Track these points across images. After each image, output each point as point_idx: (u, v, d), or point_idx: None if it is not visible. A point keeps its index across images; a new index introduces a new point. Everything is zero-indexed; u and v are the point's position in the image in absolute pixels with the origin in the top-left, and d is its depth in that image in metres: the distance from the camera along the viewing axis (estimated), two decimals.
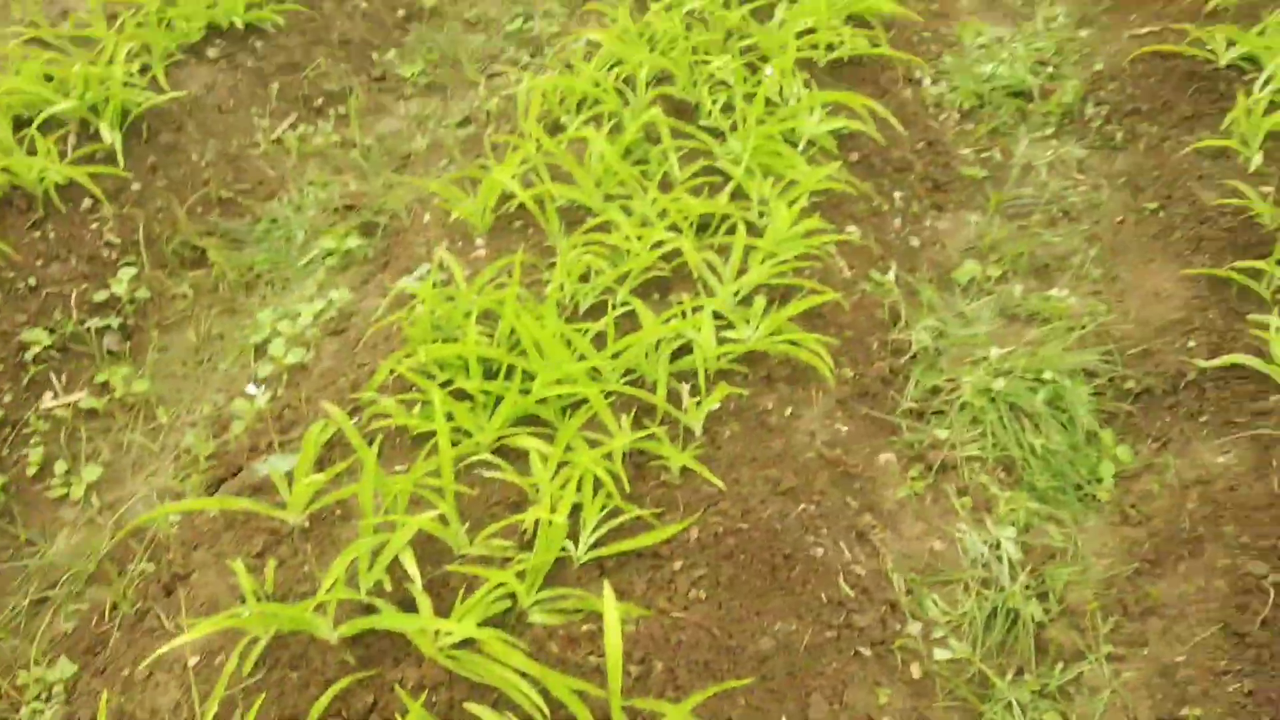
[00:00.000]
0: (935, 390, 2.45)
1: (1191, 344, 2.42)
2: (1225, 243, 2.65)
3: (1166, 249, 2.74)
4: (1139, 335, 2.53)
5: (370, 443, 2.12)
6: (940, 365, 2.52)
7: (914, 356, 2.53)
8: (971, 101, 3.48)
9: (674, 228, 2.61)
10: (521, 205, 2.76)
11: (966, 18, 4.00)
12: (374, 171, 3.40)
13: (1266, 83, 3.07)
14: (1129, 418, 2.36)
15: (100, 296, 2.84)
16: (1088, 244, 2.90)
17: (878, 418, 2.37)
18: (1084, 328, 2.59)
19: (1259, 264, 2.48)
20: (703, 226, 2.68)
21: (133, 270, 2.91)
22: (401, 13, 4.20)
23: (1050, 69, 3.64)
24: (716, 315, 2.36)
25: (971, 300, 2.74)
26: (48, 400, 2.60)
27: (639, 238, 2.53)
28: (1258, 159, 2.85)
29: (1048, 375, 2.38)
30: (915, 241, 2.92)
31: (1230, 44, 3.26)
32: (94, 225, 2.97)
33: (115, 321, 2.82)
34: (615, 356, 2.23)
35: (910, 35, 3.71)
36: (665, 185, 2.79)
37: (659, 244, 2.53)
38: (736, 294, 2.43)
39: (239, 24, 3.72)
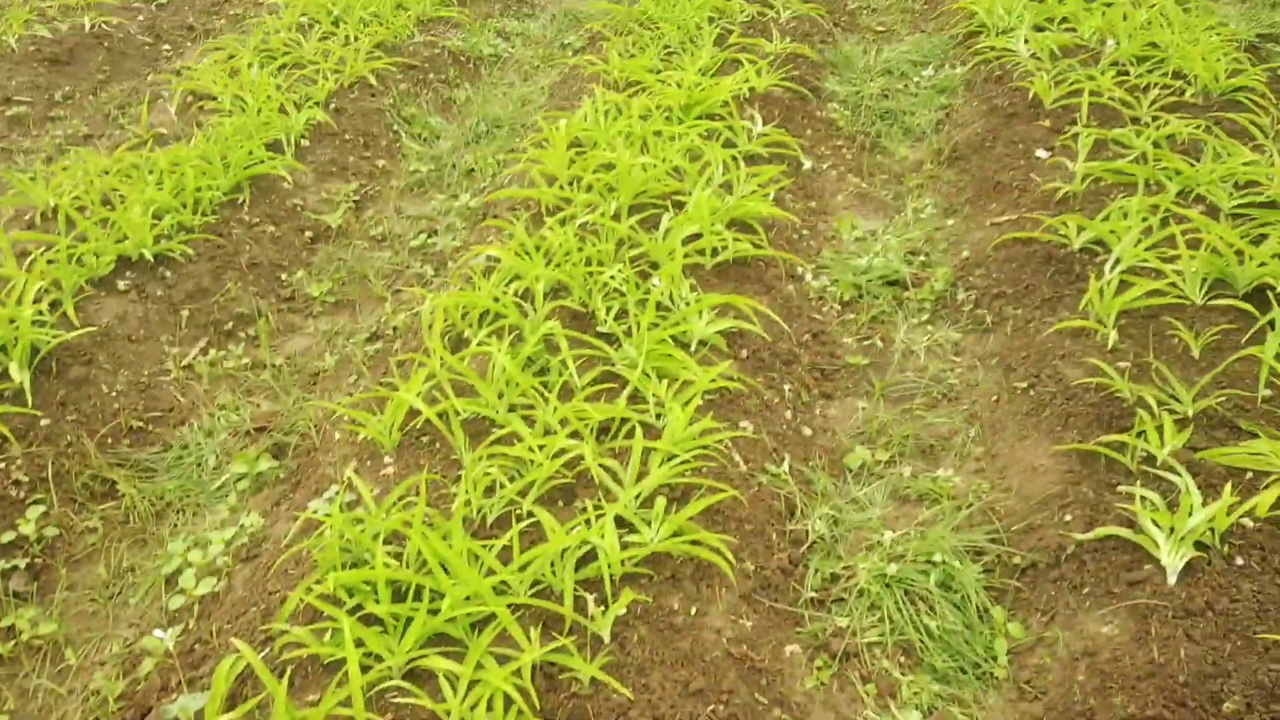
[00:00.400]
0: (834, 578, 2.55)
1: (1068, 518, 2.56)
2: (1091, 417, 2.84)
3: (1039, 426, 2.92)
4: (1021, 511, 2.68)
5: (282, 674, 2.14)
6: (838, 552, 2.63)
7: (812, 546, 2.63)
8: (851, 293, 3.70)
9: (575, 435, 2.72)
10: (428, 421, 2.86)
11: (842, 213, 4.28)
12: (285, 392, 3.48)
13: (1115, 265, 3.35)
14: (1018, 593, 2.48)
15: (7, 538, 2.83)
16: (968, 423, 3.08)
17: (781, 609, 2.45)
18: (970, 506, 2.73)
19: (1122, 437, 2.66)
20: (603, 431, 2.79)
21: (41, 508, 2.92)
22: (309, 234, 4.36)
23: (922, 258, 3.90)
24: (619, 520, 2.45)
25: (863, 485, 2.87)
26: None
27: (541, 447, 2.63)
28: (1113, 336, 3.08)
29: (938, 557, 2.50)
30: (807, 431, 3.06)
31: (1080, 230, 3.55)
32: (1, 466, 2.98)
33: (22, 562, 2.80)
34: (522, 569, 2.29)
35: (790, 234, 3.96)
36: (566, 393, 2.92)
37: (561, 452, 2.63)
38: (638, 497, 2.53)
39: (148, 255, 3.84)
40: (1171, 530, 2.36)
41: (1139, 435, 2.66)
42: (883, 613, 2.43)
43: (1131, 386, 2.83)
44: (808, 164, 4.53)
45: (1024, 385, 3.08)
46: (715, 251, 3.58)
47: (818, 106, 5.08)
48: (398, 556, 2.36)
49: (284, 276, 4.12)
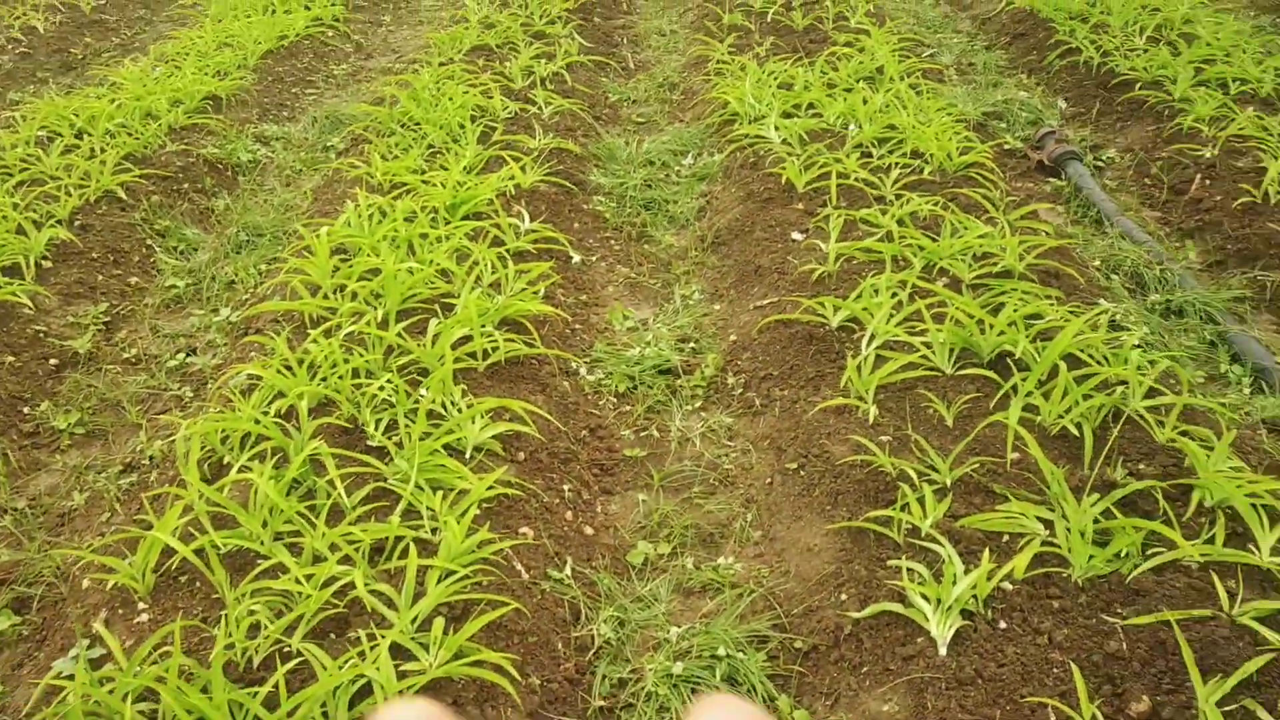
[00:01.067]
0: (622, 683, 2.51)
1: (844, 597, 2.62)
2: (859, 494, 2.93)
3: (811, 505, 2.98)
4: (800, 593, 2.72)
5: None
6: (625, 655, 2.59)
7: (598, 651, 2.59)
8: (626, 384, 3.73)
9: (347, 560, 2.61)
10: (186, 559, 2.68)
11: (614, 304, 4.33)
12: (28, 538, 3.21)
13: (870, 341, 3.49)
14: (802, 678, 2.50)
15: None
16: (745, 508, 3.12)
17: None
18: (751, 593, 2.76)
19: (888, 511, 2.75)
20: (378, 551, 2.69)
21: None
22: (54, 362, 4.07)
23: (692, 344, 3.97)
24: (396, 647, 2.35)
25: (647, 582, 2.86)
26: None
27: (309, 577, 2.50)
28: (874, 411, 3.20)
29: (722, 651, 2.50)
30: (590, 530, 3.04)
31: (836, 309, 3.70)
32: None
33: None
34: (290, 715, 2.16)
35: (563, 329, 3.97)
36: (337, 515, 2.80)
37: (331, 580, 2.51)
38: (415, 620, 2.44)
39: None
40: (939, 601, 2.44)
41: (903, 508, 2.75)
42: (671, 714, 2.40)
43: (893, 460, 2.94)
44: (577, 257, 4.57)
45: (794, 466, 3.15)
46: (486, 353, 3.54)
47: (584, 199, 5.15)
48: (153, 716, 2.18)
49: (26, 410, 3.82)
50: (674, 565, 2.93)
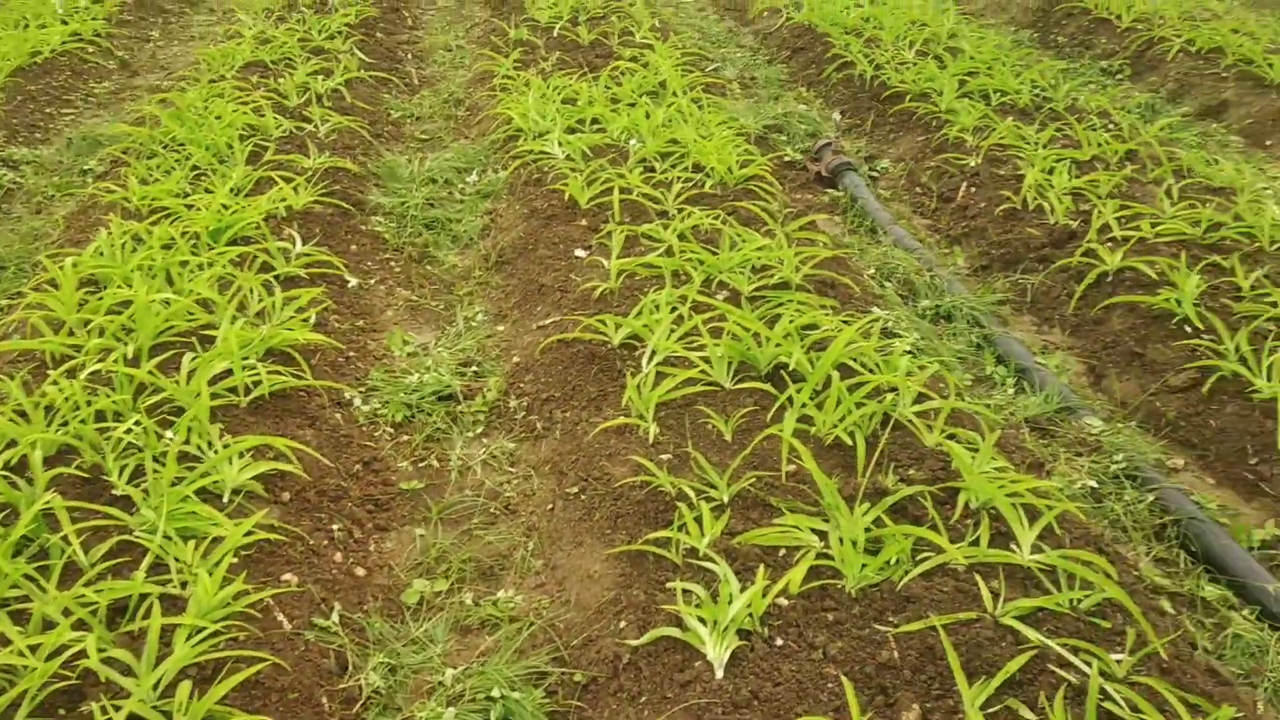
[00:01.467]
0: None
1: (623, 624, 2.55)
2: (639, 516, 2.87)
3: (592, 530, 2.91)
4: (580, 623, 2.64)
5: None
6: (396, 703, 2.46)
7: (367, 702, 2.44)
8: (404, 413, 3.58)
9: (82, 624, 2.38)
10: None
11: (393, 328, 4.17)
12: None
13: (651, 358, 3.46)
14: (581, 713, 2.42)
15: None
16: (527, 537, 3.03)
17: None
18: (531, 626, 2.66)
19: (667, 533, 2.70)
20: (120, 612, 2.46)
21: None
22: None
23: (475, 368, 3.85)
24: (134, 718, 2.14)
25: (423, 622, 2.73)
26: None
27: (36, 647, 2.27)
28: (654, 429, 3.16)
29: (496, 692, 2.40)
30: (361, 571, 2.88)
31: (618, 326, 3.65)
32: None
33: None
34: None
35: (337, 358, 3.78)
36: (75, 574, 2.55)
37: (61, 649, 2.28)
38: (158, 685, 2.23)
39: None
40: (715, 622, 2.40)
41: (681, 528, 2.71)
42: None
43: (672, 479, 2.89)
44: (354, 281, 4.39)
45: (575, 490, 3.07)
46: (249, 388, 3.33)
47: (362, 220, 4.96)
48: None
49: None
50: (452, 602, 2.80)
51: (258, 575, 2.65)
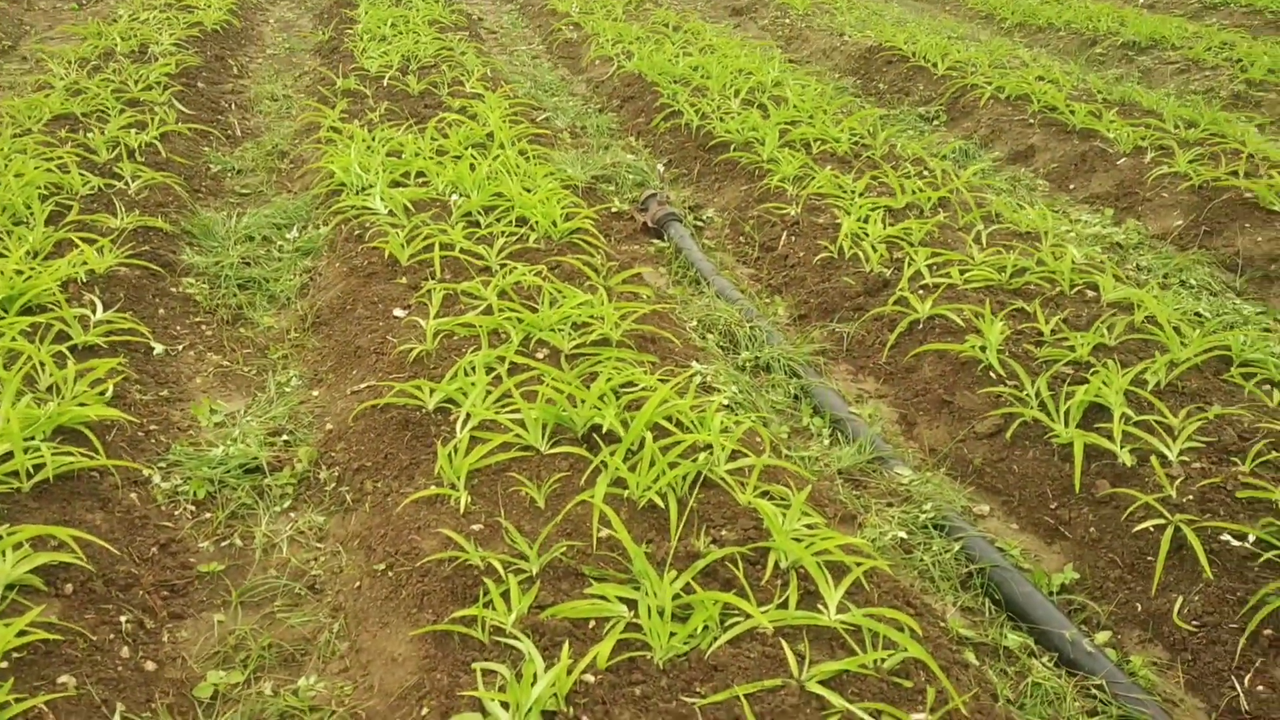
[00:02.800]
0: None
1: (425, 710, 2.45)
2: (446, 592, 2.78)
3: (398, 609, 2.81)
4: (382, 711, 2.53)
5: None
6: None
7: None
8: (207, 489, 3.41)
9: None
10: None
11: (201, 397, 3.99)
12: None
13: (465, 423, 3.38)
14: None
15: None
16: (333, 618, 2.91)
17: None
18: (333, 715, 2.54)
19: (472, 610, 2.62)
20: None
21: None
22: None
23: (285, 437, 3.71)
24: None
25: (217, 717, 2.58)
26: None
27: None
28: (465, 499, 3.08)
29: None
30: (151, 666, 2.71)
31: (432, 391, 3.57)
32: None
33: None
34: None
35: (134, 432, 3.59)
36: None
37: None
38: None
39: None
40: (518, 705, 2.33)
41: (487, 605, 2.64)
42: None
43: (481, 552, 2.82)
44: (160, 348, 4.19)
45: (383, 566, 2.97)
46: (31, 473, 3.12)
47: (173, 282, 4.76)
48: None
49: None
50: (249, 693, 2.66)
51: (30, 680, 2.46)
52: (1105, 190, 6.15)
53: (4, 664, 2.44)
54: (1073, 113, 7.00)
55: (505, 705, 2.35)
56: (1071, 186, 6.38)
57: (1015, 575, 3.04)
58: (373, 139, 6.14)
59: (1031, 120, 7.15)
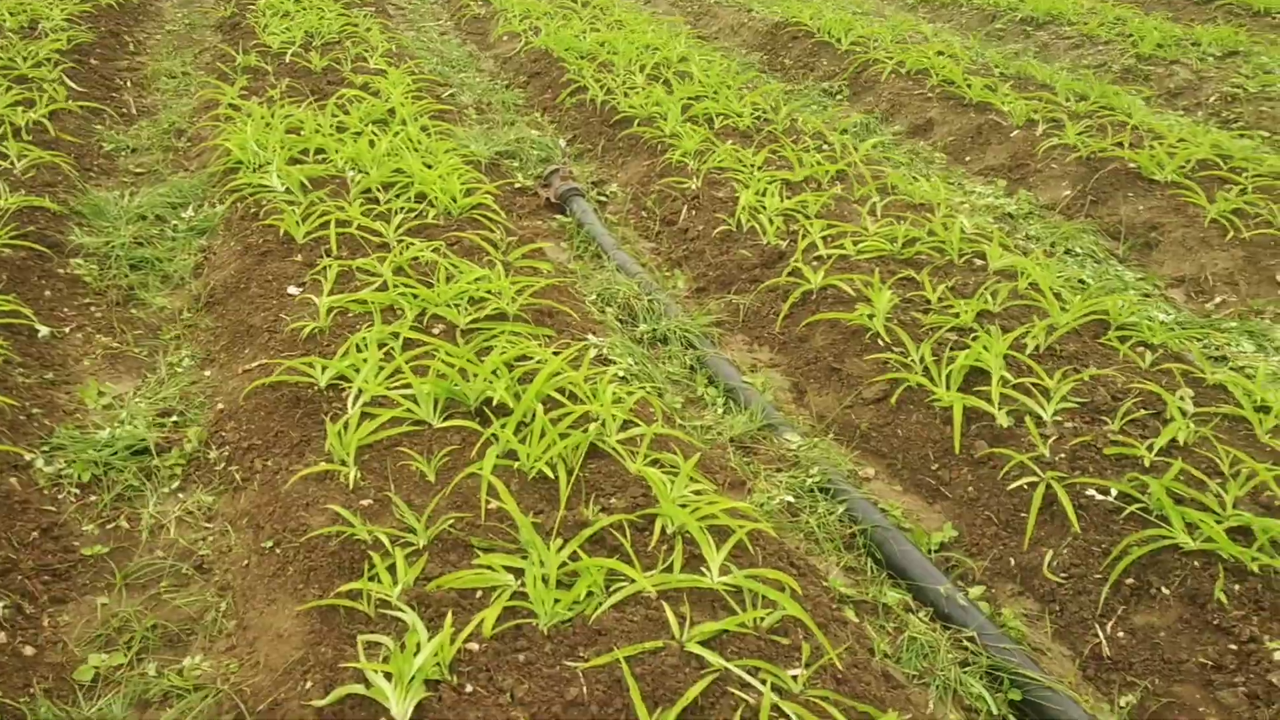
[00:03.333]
0: None
1: (309, 684, 2.46)
2: (333, 567, 2.78)
3: (285, 586, 2.81)
4: (267, 687, 2.53)
5: None
6: None
7: None
8: (93, 471, 3.36)
9: None
10: None
11: (89, 379, 3.91)
12: None
13: (357, 399, 3.37)
14: None
15: None
16: (219, 597, 2.89)
17: None
18: (218, 694, 2.53)
19: (358, 584, 2.63)
20: None
21: None
22: None
23: (175, 418, 3.67)
24: None
25: (97, 700, 2.56)
26: None
27: None
28: (355, 474, 3.08)
29: None
30: (29, 650, 2.67)
31: (324, 368, 3.55)
32: None
33: None
34: None
35: (15, 416, 3.52)
36: None
37: None
38: None
39: None
40: (400, 674, 2.35)
41: (373, 578, 2.65)
42: None
43: (368, 526, 2.83)
44: (44, 330, 4.10)
45: (270, 544, 2.96)
46: None
47: (60, 264, 4.65)
48: None
49: None
50: (132, 675, 2.64)
51: None
52: (999, 162, 6.29)
53: None
54: (970, 87, 7.14)
55: (388, 676, 2.36)
56: (968, 159, 6.52)
57: (895, 535, 3.13)
58: (272, 116, 6.04)
59: (931, 94, 7.28)
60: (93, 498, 3.30)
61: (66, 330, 4.23)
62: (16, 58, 7.12)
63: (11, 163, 5.42)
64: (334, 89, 6.83)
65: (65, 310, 4.37)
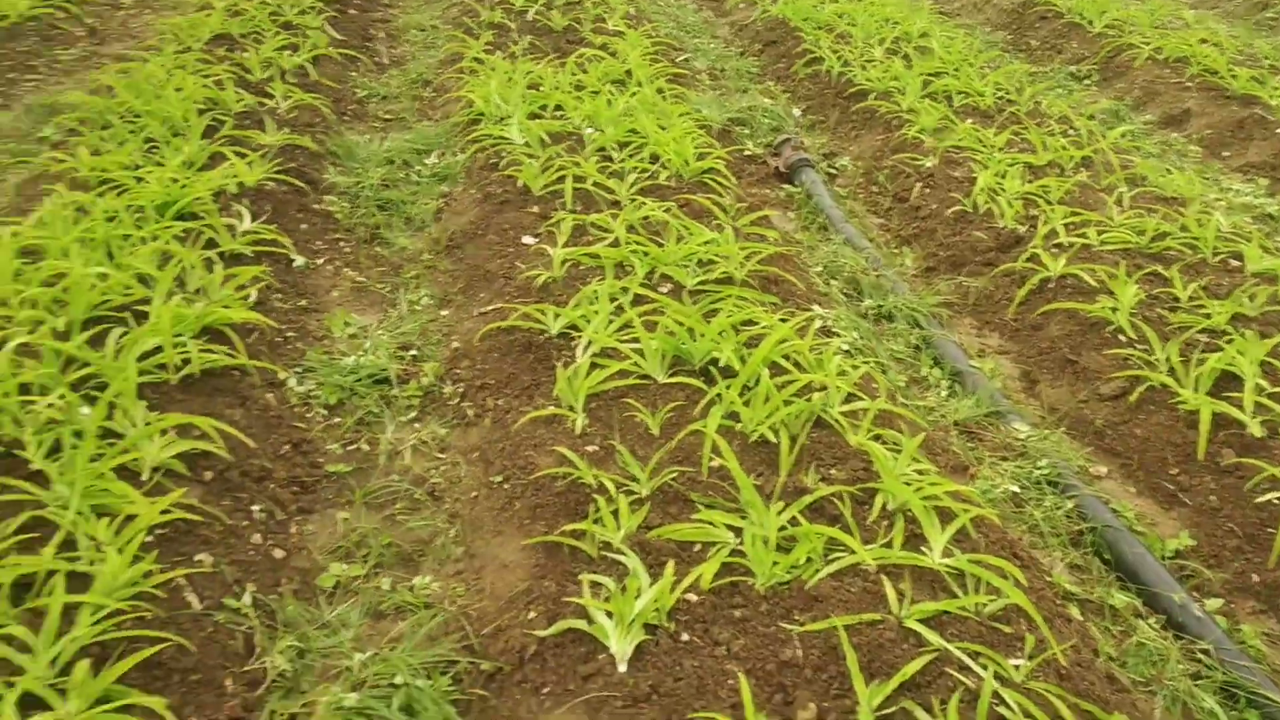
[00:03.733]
0: (294, 718, 2.37)
1: (532, 615, 2.56)
2: (559, 507, 2.88)
3: (512, 520, 2.92)
4: (492, 612, 2.65)
5: None
6: (301, 687, 2.46)
7: (270, 685, 2.45)
8: (339, 395, 3.57)
9: None
10: None
11: (336, 310, 4.15)
12: None
13: (586, 349, 3.46)
14: (485, 702, 2.43)
15: None
16: (449, 524, 3.03)
17: None
18: (445, 613, 2.67)
19: (583, 525, 2.71)
20: (27, 588, 2.46)
21: None
22: None
23: (414, 352, 3.85)
24: (31, 696, 2.14)
25: (337, 606, 2.73)
26: None
27: None
28: (582, 421, 3.17)
29: (399, 678, 2.40)
30: (279, 553, 2.88)
31: (556, 316, 3.65)
32: None
33: None
34: None
35: (274, 337, 3.77)
36: None
37: None
38: (55, 663, 2.23)
39: None
40: (621, 616, 2.41)
41: (597, 521, 2.72)
42: None
43: (594, 471, 2.90)
44: (300, 260, 4.37)
45: (500, 479, 3.08)
46: (180, 366, 3.32)
47: (315, 199, 4.94)
48: None
49: None
50: (367, 587, 2.80)
51: (171, 555, 2.65)
52: (1262, 159, 5.87)
53: (150, 538, 2.62)
54: (1234, 77, 6.68)
55: (609, 615, 2.43)
56: (1226, 154, 6.12)
57: (1127, 536, 3.00)
58: (514, 71, 6.22)
59: (1189, 84, 6.85)
60: (337, 419, 3.50)
61: (319, 262, 4.49)
62: (284, 5, 7.56)
63: (277, 102, 5.77)
64: (573, 48, 6.97)
65: (318, 244, 4.64)
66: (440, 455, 3.33)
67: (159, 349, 3.33)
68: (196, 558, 2.68)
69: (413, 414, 3.53)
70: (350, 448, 3.38)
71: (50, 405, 2.99)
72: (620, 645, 2.38)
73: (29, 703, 2.15)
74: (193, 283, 3.79)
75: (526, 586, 2.66)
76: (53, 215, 4.13)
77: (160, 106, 5.27)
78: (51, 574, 2.46)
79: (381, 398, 3.59)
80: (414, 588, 2.79)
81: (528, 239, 4.39)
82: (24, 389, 3.07)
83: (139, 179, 4.50)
